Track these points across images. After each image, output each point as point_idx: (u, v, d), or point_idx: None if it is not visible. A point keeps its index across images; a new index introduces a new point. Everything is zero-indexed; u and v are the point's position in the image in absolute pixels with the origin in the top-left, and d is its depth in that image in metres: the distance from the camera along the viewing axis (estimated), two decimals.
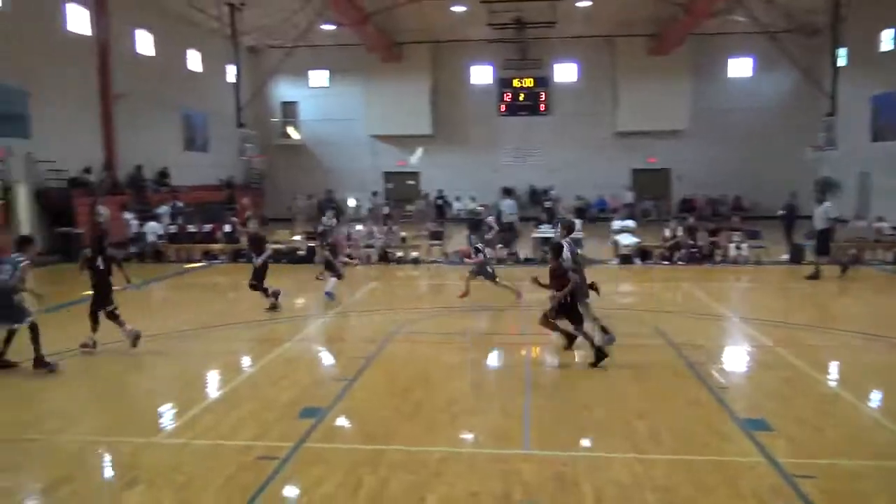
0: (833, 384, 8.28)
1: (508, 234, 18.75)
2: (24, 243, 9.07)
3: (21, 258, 8.56)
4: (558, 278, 8.65)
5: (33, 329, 8.41)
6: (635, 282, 16.23)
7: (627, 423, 6.63)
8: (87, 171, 22.38)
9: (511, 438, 6.35)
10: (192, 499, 5.12)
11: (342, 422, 6.91)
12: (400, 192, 35.41)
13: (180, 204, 23.53)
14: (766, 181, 31.65)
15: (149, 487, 5.32)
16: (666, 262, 17.78)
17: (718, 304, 13.20)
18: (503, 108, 34.38)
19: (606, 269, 17.36)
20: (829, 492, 5.20)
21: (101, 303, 9.44)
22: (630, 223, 19.53)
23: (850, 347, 9.85)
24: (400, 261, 18.76)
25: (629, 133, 34.06)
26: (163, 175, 26.69)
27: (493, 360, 9.59)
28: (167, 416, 7.14)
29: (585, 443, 6.37)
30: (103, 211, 20.52)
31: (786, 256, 18.16)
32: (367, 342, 9.97)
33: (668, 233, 18.53)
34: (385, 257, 18.76)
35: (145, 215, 21.40)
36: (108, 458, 6.14)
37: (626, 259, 18.00)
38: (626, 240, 18.47)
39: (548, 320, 8.86)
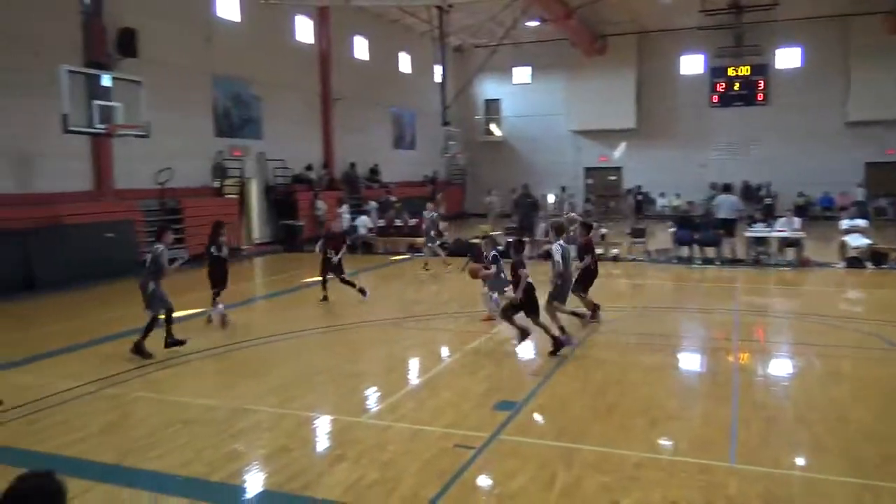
0: None
1: (723, 232, 17.56)
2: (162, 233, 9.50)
3: (161, 247, 9.09)
4: (514, 275, 8.85)
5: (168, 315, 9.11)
6: (864, 288, 14.57)
7: (851, 445, 5.96)
8: (309, 168, 24.44)
9: (715, 449, 5.96)
10: (393, 477, 5.38)
11: (536, 417, 6.92)
12: (602, 187, 34.75)
13: (393, 198, 24.87)
14: None
15: (354, 464, 5.68)
16: None
17: None
18: (715, 98, 32.44)
19: (831, 273, 15.79)
20: None
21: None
22: (861, 222, 17.47)
23: None
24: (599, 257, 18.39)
25: (862, 122, 30.54)
26: (373, 172, 28.43)
27: (697, 364, 9.09)
28: (373, 398, 7.60)
29: (800, 461, 5.82)
30: (321, 205, 22.29)
31: None
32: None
33: None
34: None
35: (357, 210, 22.94)
36: (320, 433, 6.66)
37: (854, 262, 16.19)
38: (856, 241, 16.57)
39: (506, 314, 8.98)
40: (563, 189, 32.79)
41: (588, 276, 10.60)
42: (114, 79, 14.63)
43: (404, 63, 32.23)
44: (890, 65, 29.24)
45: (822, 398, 7.29)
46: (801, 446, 6.06)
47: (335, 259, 12.62)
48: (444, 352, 9.66)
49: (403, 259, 19.90)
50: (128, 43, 16.22)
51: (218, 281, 10.72)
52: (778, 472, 5.48)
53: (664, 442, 6.25)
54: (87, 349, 9.73)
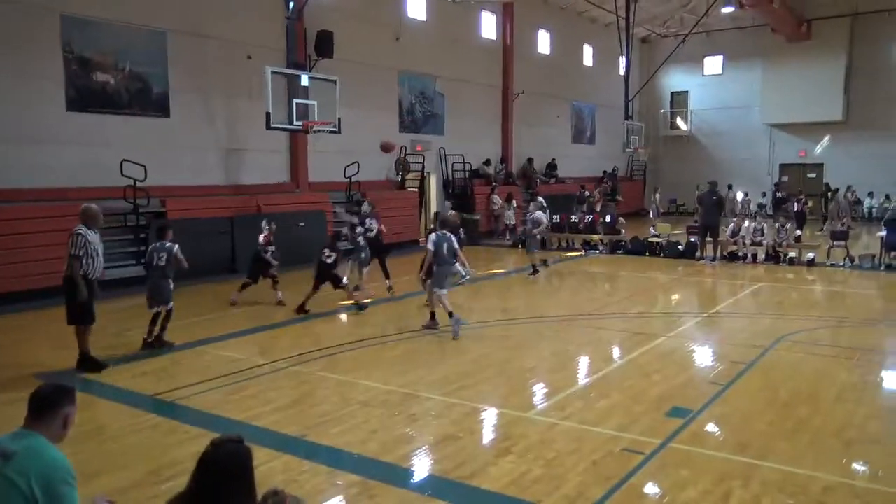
0: None
1: None
2: (163, 231, 9.59)
3: (174, 245, 9.26)
4: None
5: (169, 312, 9.33)
6: None
7: None
8: (487, 163, 24.79)
9: None
10: (558, 475, 5.34)
11: (712, 427, 6.53)
12: (799, 185, 32.05)
13: (587, 193, 24.45)
14: None
15: (519, 458, 5.70)
16: None
17: None
18: None
19: None
20: None
21: None
22: None
23: None
24: (792, 261, 17.02)
25: None
26: (551, 167, 28.27)
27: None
28: (540, 394, 7.59)
29: None
30: (497, 199, 22.52)
31: None
32: (748, 347, 9.27)
33: None
34: (776, 256, 17.20)
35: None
36: (488, 424, 6.76)
37: None
38: None
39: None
40: (746, 194, 30.41)
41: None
42: (311, 78, 15.72)
43: (587, 56, 31.68)
44: None
45: None
46: None
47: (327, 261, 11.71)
48: (617, 352, 9.42)
49: (578, 255, 19.61)
50: (325, 45, 17.34)
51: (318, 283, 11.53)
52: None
53: (859, 467, 5.65)
54: (279, 328, 10.59)
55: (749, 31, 30.65)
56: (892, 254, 16.13)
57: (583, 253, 19.86)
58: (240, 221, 15.68)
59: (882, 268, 15.97)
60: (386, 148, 15.19)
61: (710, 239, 17.68)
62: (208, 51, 16.29)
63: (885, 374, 8.48)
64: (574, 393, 7.49)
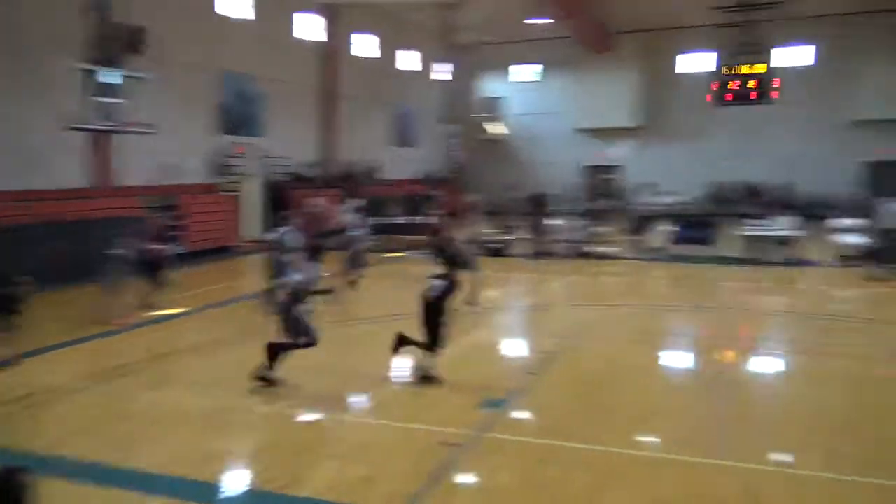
0: None
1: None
2: None
3: None
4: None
5: None
6: (858, 287, 14.46)
7: (832, 442, 5.99)
8: (308, 165, 24.50)
9: (701, 446, 5.99)
10: (376, 475, 5.41)
11: (524, 415, 6.95)
12: (602, 187, 34.70)
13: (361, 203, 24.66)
14: None
15: (337, 461, 5.73)
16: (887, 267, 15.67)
17: None
18: (719, 96, 32.31)
19: (825, 272, 15.79)
20: None
21: None
22: (855, 222, 17.46)
23: None
24: (598, 257, 18.39)
25: (868, 121, 30.39)
26: (373, 170, 28.45)
27: (687, 362, 9.11)
28: (358, 395, 7.59)
29: (781, 458, 5.83)
30: (317, 202, 22.25)
31: None
32: (557, 337, 9.92)
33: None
34: (582, 253, 18.50)
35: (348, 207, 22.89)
36: (304, 431, 6.69)
37: (849, 261, 16.15)
38: (850, 240, 16.56)
39: None
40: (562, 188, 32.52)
41: None
42: (123, 76, 14.74)
43: (409, 60, 32.23)
44: None
45: (809, 394, 7.33)
46: (782, 442, 6.08)
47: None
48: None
49: (399, 257, 19.85)
50: (135, 40, 16.17)
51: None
52: (760, 468, 5.51)
53: (652, 440, 6.28)
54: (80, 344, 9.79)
55: (561, 42, 32.66)
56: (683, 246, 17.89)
57: (404, 255, 20.10)
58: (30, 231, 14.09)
59: (673, 259, 17.65)
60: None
61: (529, 237, 18.74)
62: None
63: (671, 354, 9.44)
64: (391, 391, 7.61)
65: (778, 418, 6.74)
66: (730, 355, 9.19)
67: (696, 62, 33.30)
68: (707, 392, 7.60)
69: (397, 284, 14.56)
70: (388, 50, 30.48)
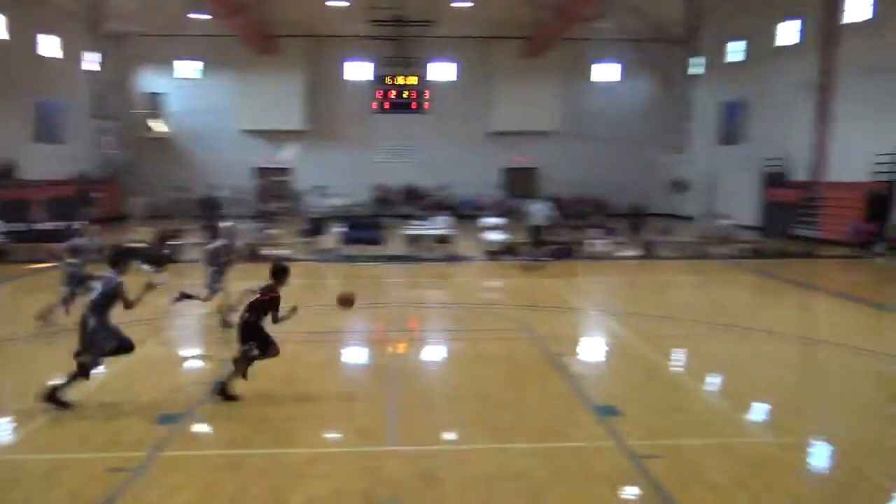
0: (679, 371, 8.90)
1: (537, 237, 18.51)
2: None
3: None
4: None
5: None
6: (502, 277, 16.67)
7: (491, 416, 6.83)
8: None
9: (376, 435, 6.37)
10: None
11: (202, 427, 6.68)
12: (272, 188, 34.58)
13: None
14: (625, 181, 33.52)
15: None
16: (530, 259, 18.37)
17: (580, 298, 13.86)
18: (380, 105, 34.39)
19: (473, 266, 17.75)
20: (674, 470, 5.58)
21: None
22: (498, 220, 20.12)
23: (695, 336, 10.59)
24: (267, 259, 18.28)
25: (503, 133, 35.00)
26: (7, 169, 24.65)
27: (360, 357, 9.59)
28: (4, 430, 6.62)
29: (450, 436, 6.50)
30: None
31: (636, 252, 19.28)
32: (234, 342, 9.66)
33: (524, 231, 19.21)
34: (255, 255, 18.24)
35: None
36: None
37: (494, 255, 18.48)
38: (495, 237, 19.02)
39: None
40: (227, 190, 31.76)
41: None
42: None
43: (50, 47, 28.42)
44: (524, 84, 33.93)
45: (468, 378, 8.21)
46: (450, 423, 6.76)
47: None
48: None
49: (47, 267, 17.57)
50: None
51: None
52: (432, 449, 6.05)
53: (329, 436, 6.50)
54: None
55: (223, 40, 31.67)
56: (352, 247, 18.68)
57: (54, 264, 17.83)
58: None
59: (343, 260, 18.35)
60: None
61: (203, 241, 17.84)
62: None
63: (345, 350, 9.84)
64: (44, 420, 6.74)
65: (447, 400, 7.44)
66: (401, 347, 9.86)
67: (360, 70, 34.99)
68: (383, 383, 8.08)
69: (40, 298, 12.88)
70: (25, 33, 26.60)
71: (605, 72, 35.93)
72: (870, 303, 13.50)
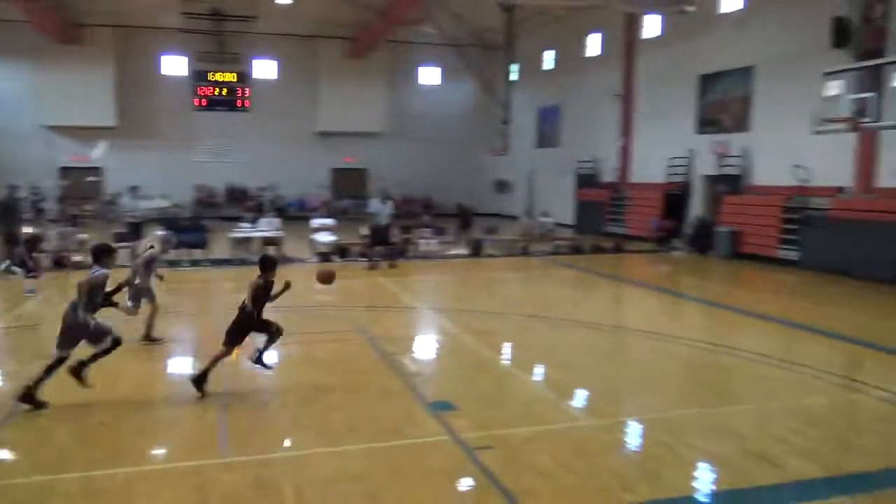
0: (507, 363, 9.34)
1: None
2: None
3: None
4: None
5: None
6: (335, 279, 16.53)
7: (325, 418, 6.76)
8: None
9: (207, 448, 6.09)
10: None
11: (3, 454, 6.03)
12: (80, 189, 31.83)
13: None
14: (451, 181, 34.58)
15: None
16: (364, 259, 18.39)
17: (413, 297, 14.10)
18: (199, 101, 32.84)
19: (305, 267, 17.48)
20: (505, 458, 5.83)
21: None
22: (328, 221, 19.95)
23: (521, 330, 11.16)
24: (79, 266, 16.84)
25: (329, 133, 34.72)
26: None
27: (187, 367, 9.10)
28: None
29: (285, 443, 6.35)
30: None
31: (464, 251, 19.97)
32: (39, 358, 8.79)
33: (364, 231, 19.21)
34: (60, 262, 16.71)
35: None
36: None
37: (324, 257, 18.29)
38: (324, 238, 18.83)
39: None
40: (14, 188, 28.93)
41: None
42: None
43: None
44: (350, 84, 33.84)
45: (300, 381, 8.08)
46: (284, 429, 6.61)
47: None
48: None
49: None
50: None
51: None
52: (267, 457, 5.88)
53: (156, 452, 6.12)
54: None
55: (15, 26, 28.57)
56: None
57: None
58: None
59: (164, 264, 17.28)
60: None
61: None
62: None
63: (172, 361, 9.30)
64: None
65: (280, 406, 7.25)
66: (230, 354, 9.47)
67: (176, 65, 33.17)
68: (213, 391, 7.71)
69: None
70: None
71: (430, 75, 36.81)
72: (671, 292, 14.95)
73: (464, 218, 21.58)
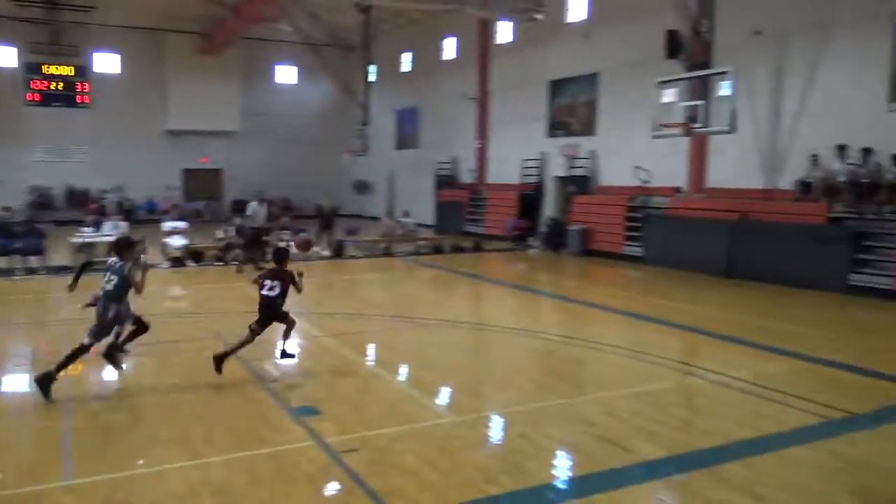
0: (371, 365, 9.36)
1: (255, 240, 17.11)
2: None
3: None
4: None
5: None
6: (187, 284, 15.84)
7: (182, 430, 6.46)
8: None
9: (48, 472, 5.63)
10: None
11: None
12: None
13: None
14: (311, 182, 34.03)
15: None
16: (220, 263, 17.73)
17: None
18: (32, 96, 30.27)
19: (157, 273, 16.60)
20: (371, 460, 5.84)
21: None
22: (181, 224, 19.01)
23: (384, 330, 11.21)
24: None
25: (180, 132, 33.11)
26: None
27: (23, 383, 8.38)
28: None
29: (138, 460, 6.00)
30: None
31: (326, 252, 19.78)
32: None
33: (220, 233, 18.53)
34: None
35: None
36: None
37: (177, 261, 17.46)
38: (177, 242, 17.94)
39: None
40: None
41: None
42: None
43: None
44: (203, 82, 32.42)
45: (155, 396, 7.66)
46: (137, 446, 6.23)
47: None
48: None
49: None
50: None
51: None
52: (116, 477, 5.52)
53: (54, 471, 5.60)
54: None
55: None
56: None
57: None
58: None
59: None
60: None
61: None
62: None
63: (6, 377, 8.53)
64: None
65: (132, 421, 6.84)
66: (74, 368, 8.82)
67: (7, 56, 30.36)
68: (55, 410, 7.15)
69: None
70: None
71: (287, 74, 36.04)
72: (528, 289, 15.55)
73: (324, 219, 21.31)
